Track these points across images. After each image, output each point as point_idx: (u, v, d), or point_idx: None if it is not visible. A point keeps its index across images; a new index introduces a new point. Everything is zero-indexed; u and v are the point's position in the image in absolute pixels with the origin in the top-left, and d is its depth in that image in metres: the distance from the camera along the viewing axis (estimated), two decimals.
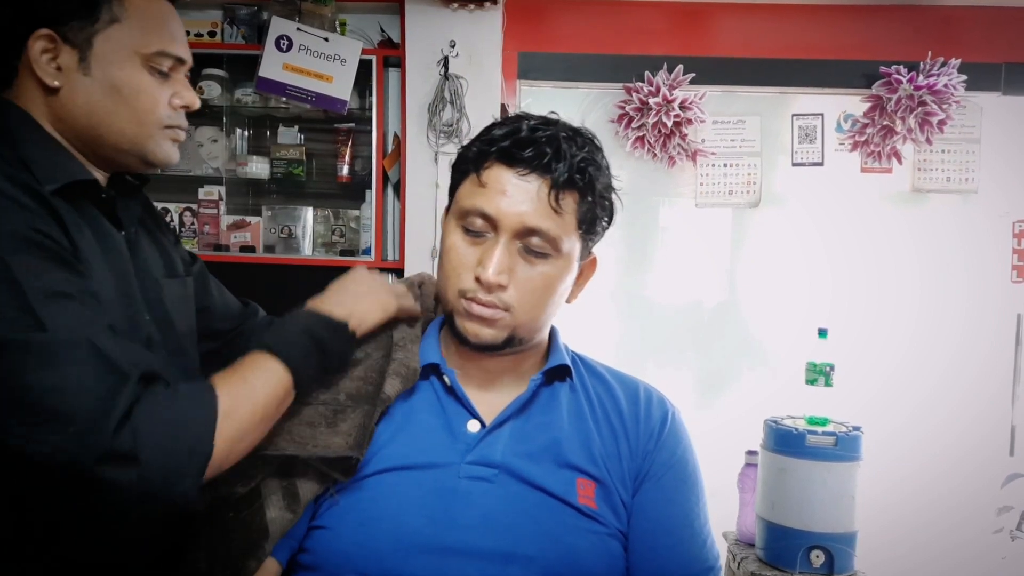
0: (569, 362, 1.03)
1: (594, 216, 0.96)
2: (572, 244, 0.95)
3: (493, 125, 0.97)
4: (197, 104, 1.02)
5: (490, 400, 0.99)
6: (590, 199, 0.94)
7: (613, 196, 1.00)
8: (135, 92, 0.95)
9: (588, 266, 1.03)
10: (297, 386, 0.90)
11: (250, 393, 0.85)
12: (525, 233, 0.92)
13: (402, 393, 0.98)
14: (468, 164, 0.96)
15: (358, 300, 0.99)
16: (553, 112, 1.00)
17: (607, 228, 1.01)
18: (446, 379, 0.99)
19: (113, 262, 0.95)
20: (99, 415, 0.74)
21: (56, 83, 0.93)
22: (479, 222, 0.93)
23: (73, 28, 0.92)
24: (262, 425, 0.87)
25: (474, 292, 0.93)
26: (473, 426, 0.96)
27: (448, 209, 1.00)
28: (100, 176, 1.00)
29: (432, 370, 1.00)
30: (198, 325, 1.15)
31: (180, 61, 1.00)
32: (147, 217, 1.09)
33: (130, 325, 0.95)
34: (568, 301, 1.02)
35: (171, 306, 1.06)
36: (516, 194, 0.91)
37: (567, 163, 0.91)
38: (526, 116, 0.97)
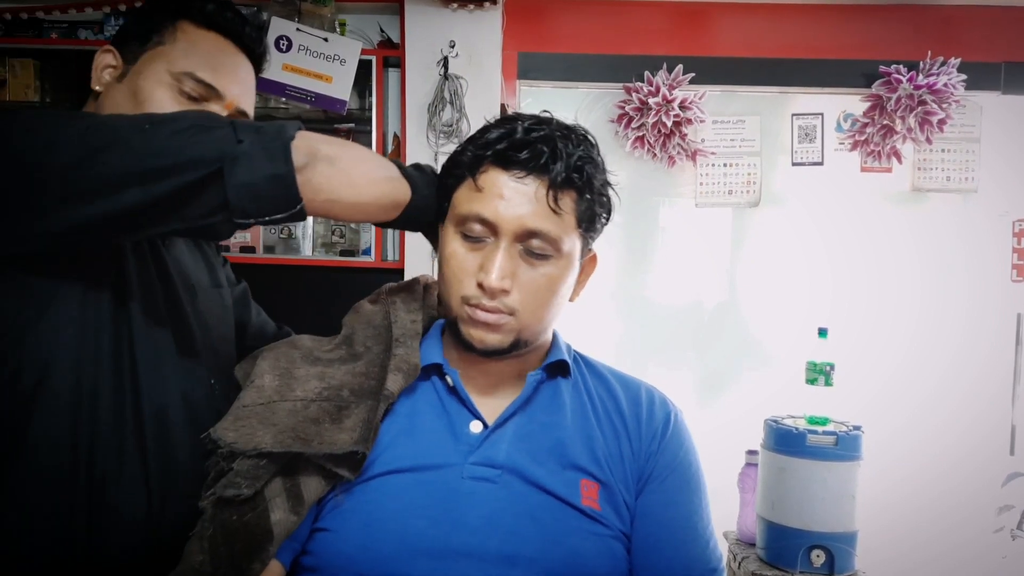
0: (568, 358, 1.02)
1: (593, 214, 0.96)
2: (573, 243, 0.94)
3: (486, 128, 0.96)
4: None
5: (493, 401, 0.99)
6: (588, 197, 0.94)
7: (610, 192, 0.99)
8: (147, 99, 1.01)
9: (588, 263, 1.02)
10: (406, 178, 0.96)
11: (353, 146, 0.94)
12: (525, 236, 0.91)
13: (404, 394, 0.98)
14: (463, 169, 0.95)
15: None
16: (545, 111, 0.99)
17: (606, 224, 1.01)
18: (448, 380, 0.98)
19: (141, 256, 1.01)
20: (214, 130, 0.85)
21: (98, 87, 1.04)
22: (478, 227, 0.92)
23: (130, 48, 1.04)
24: (363, 182, 0.91)
25: (478, 298, 0.92)
26: (476, 427, 0.96)
27: (444, 214, 0.99)
28: None
29: (434, 370, 1.00)
30: (237, 339, 1.19)
31: (213, 91, 1.03)
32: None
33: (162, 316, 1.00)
34: (571, 300, 1.01)
35: (206, 309, 1.10)
36: (514, 197, 0.90)
37: (564, 163, 0.91)
38: (519, 117, 0.96)
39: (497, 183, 0.91)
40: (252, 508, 0.88)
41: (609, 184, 0.99)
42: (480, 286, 0.91)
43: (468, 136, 0.99)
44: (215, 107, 1.04)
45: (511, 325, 0.93)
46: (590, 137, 0.98)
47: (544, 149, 0.90)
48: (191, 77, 1.02)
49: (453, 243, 0.94)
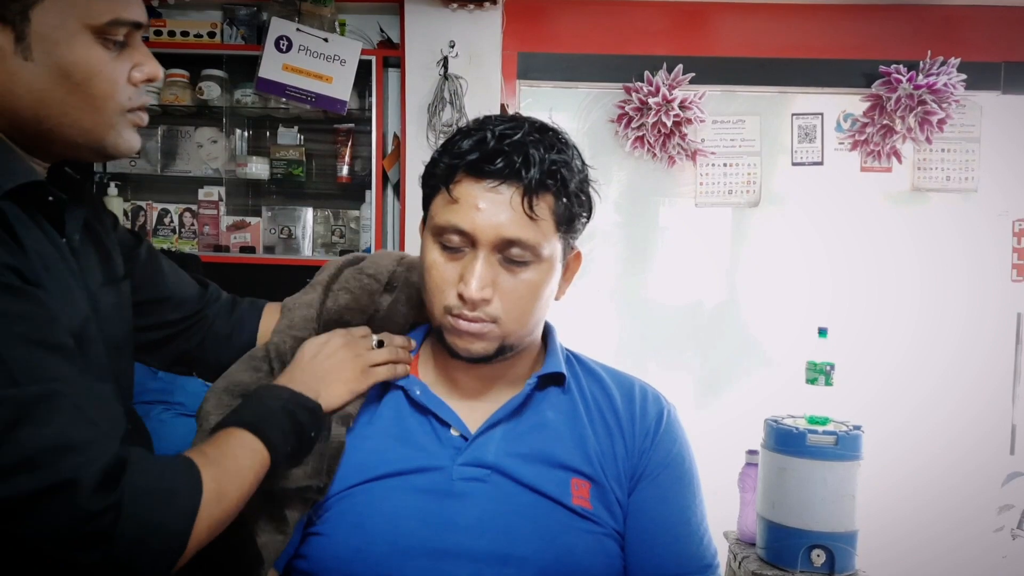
0: (564, 369, 1.01)
1: (572, 215, 0.95)
2: (553, 247, 0.93)
3: (458, 135, 0.94)
4: (160, 74, 0.86)
5: (483, 403, 0.99)
6: (565, 200, 0.93)
7: (590, 189, 0.98)
8: (89, 76, 0.79)
9: (573, 260, 1.01)
10: (273, 467, 0.87)
11: (236, 475, 0.82)
12: (504, 245, 0.90)
13: (391, 399, 0.99)
14: (437, 180, 0.94)
15: (327, 381, 0.96)
16: (506, 104, 0.98)
17: (587, 222, 1.00)
18: (417, 391, 0.98)
19: (59, 273, 0.82)
20: (80, 476, 0.67)
21: None
22: (456, 238, 0.91)
23: (6, 12, 0.76)
24: (240, 506, 0.83)
25: (459, 309, 0.91)
26: (466, 428, 0.96)
27: (424, 222, 0.98)
28: (42, 171, 0.85)
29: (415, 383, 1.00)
30: (151, 316, 1.04)
31: (136, 26, 0.83)
32: (91, 217, 0.93)
33: (78, 341, 0.84)
34: (556, 298, 1.01)
35: (104, 318, 0.91)
36: (489, 207, 0.89)
37: (537, 168, 0.90)
38: (491, 121, 0.94)
39: (472, 194, 0.90)
40: (236, 534, 0.87)
41: (588, 182, 0.98)
42: (461, 297, 0.91)
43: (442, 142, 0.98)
44: (136, 42, 0.84)
45: (495, 333, 0.93)
46: (564, 137, 0.97)
47: (516, 157, 0.89)
48: (118, 23, 0.80)
49: (433, 253, 0.94)
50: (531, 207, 0.89)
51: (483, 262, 0.90)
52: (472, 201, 0.90)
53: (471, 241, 0.91)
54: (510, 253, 0.91)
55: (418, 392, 0.98)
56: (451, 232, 0.91)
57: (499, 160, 0.89)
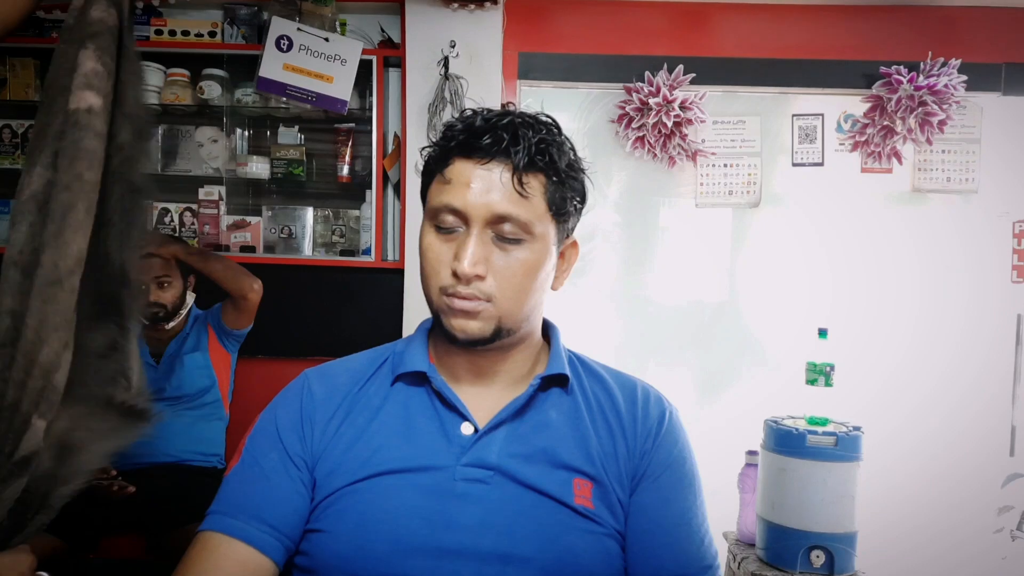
0: (568, 371, 1.02)
1: (563, 196, 0.96)
2: (545, 227, 0.95)
3: (450, 123, 0.98)
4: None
5: (485, 401, 0.99)
6: (555, 179, 0.95)
7: (584, 178, 1.00)
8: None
9: (570, 249, 1.03)
10: None
11: None
12: (495, 221, 0.92)
13: (396, 396, 0.99)
14: (432, 165, 0.97)
15: None
16: (511, 103, 1.00)
17: (580, 208, 1.01)
18: (433, 385, 0.99)
19: None
20: None
21: None
22: (449, 218, 0.93)
23: None
24: None
25: (454, 287, 0.93)
26: (467, 428, 0.96)
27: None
28: None
29: (423, 377, 1.00)
30: None
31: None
32: None
33: None
34: (554, 288, 1.02)
35: None
36: (480, 184, 0.92)
37: (525, 145, 0.92)
38: (482, 110, 0.98)
39: (464, 172, 0.93)
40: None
41: (582, 170, 1.00)
42: (455, 275, 0.92)
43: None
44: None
45: (490, 312, 0.94)
46: (554, 123, 0.99)
47: (505, 135, 0.92)
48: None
49: (428, 236, 0.96)
50: (521, 183, 0.91)
51: (476, 239, 0.92)
52: (464, 179, 0.92)
53: (464, 219, 0.92)
54: (502, 230, 0.92)
55: (436, 386, 0.98)
56: (445, 211, 0.93)
57: (487, 137, 0.92)
